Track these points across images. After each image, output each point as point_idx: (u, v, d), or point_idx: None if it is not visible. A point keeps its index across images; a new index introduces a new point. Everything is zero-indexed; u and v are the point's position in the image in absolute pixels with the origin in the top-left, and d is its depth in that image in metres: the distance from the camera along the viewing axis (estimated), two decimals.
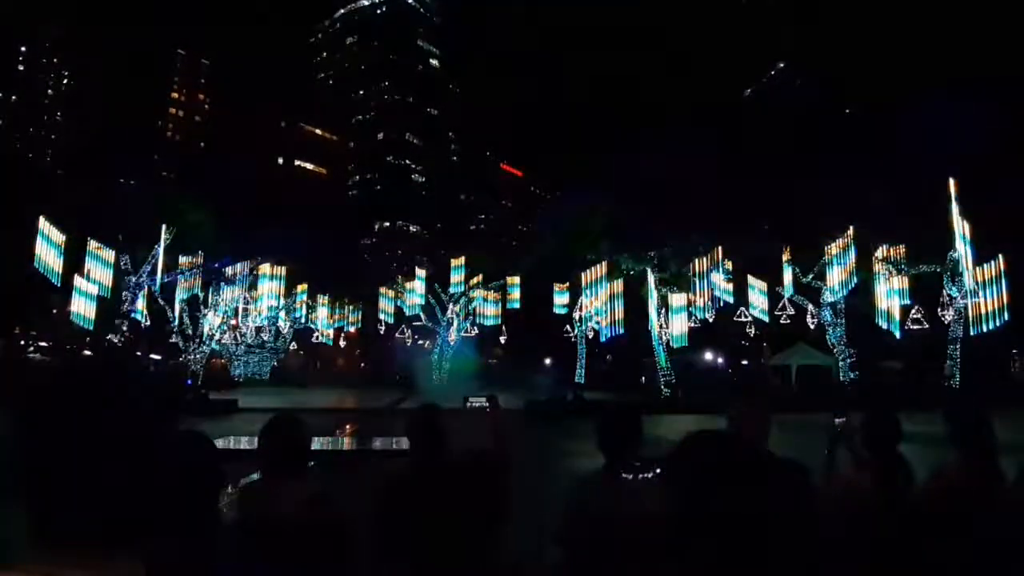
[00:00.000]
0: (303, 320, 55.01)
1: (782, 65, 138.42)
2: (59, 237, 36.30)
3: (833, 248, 39.73)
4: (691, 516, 1.59)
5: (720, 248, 39.07)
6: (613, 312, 41.02)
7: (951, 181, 36.41)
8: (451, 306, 53.14)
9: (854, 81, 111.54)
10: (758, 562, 1.53)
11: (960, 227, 36.27)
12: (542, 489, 11.02)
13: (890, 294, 39.35)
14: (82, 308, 37.61)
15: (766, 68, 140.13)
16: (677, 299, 40.11)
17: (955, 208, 36.17)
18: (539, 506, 7.71)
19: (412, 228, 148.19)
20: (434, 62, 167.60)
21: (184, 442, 2.24)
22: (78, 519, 0.92)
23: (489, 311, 52.58)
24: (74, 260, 36.91)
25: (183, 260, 42.47)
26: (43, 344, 69.92)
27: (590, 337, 48.05)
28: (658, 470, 4.06)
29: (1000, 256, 35.77)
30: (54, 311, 61.03)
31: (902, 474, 3.59)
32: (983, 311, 36.63)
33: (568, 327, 49.67)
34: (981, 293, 36.47)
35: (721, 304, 40.92)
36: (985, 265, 36.45)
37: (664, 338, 40.63)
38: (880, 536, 3.24)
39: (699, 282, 39.70)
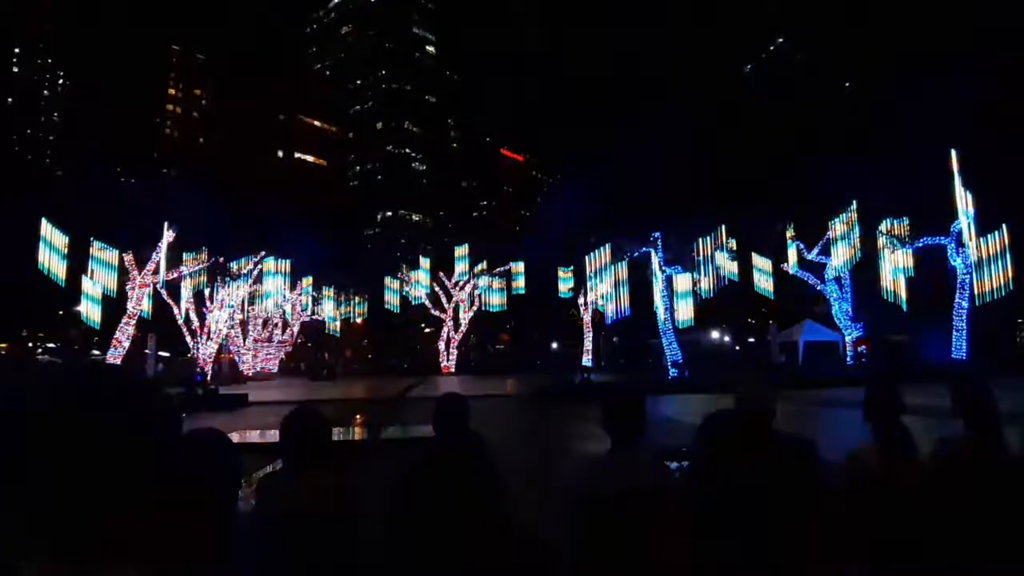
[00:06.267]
0: (309, 312, 55.17)
1: (781, 40, 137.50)
2: (61, 238, 36.38)
3: (837, 223, 39.73)
4: (711, 491, 1.65)
5: (723, 226, 39.08)
6: (618, 294, 41.10)
7: (953, 152, 36.30)
8: (456, 293, 53.23)
9: (854, 54, 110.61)
10: (767, 531, 1.58)
11: (963, 198, 36.20)
12: (551, 470, 11.15)
13: (895, 272, 39.30)
14: (89, 308, 37.77)
15: (766, 43, 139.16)
16: (681, 279, 40.14)
17: (957, 179, 36.08)
18: (548, 486, 7.81)
19: (414, 217, 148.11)
20: (431, 49, 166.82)
21: (200, 441, 2.27)
22: (72, 527, 0.92)
23: (495, 298, 52.67)
24: (78, 261, 37.04)
25: (187, 257, 42.69)
26: (51, 345, 70.32)
27: (596, 320, 48.10)
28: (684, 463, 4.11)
29: (1004, 226, 35.72)
30: (60, 312, 61.37)
31: (903, 445, 3.63)
32: (988, 282, 36.64)
33: (574, 311, 49.76)
34: (985, 264, 36.45)
35: (726, 282, 40.96)
36: (989, 236, 36.43)
37: (669, 318, 40.67)
38: (881, 507, 3.28)
39: (703, 261, 39.72)
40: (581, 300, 47.79)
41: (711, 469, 1.70)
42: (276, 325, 53.69)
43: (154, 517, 0.99)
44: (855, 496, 3.47)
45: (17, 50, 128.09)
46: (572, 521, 3.42)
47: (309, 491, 3.09)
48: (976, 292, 37.39)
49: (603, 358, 53.88)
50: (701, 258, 39.68)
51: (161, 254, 39.87)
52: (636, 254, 41.88)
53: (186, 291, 43.78)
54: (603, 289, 42.46)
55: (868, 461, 3.62)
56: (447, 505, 3.38)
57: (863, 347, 41.04)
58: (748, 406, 3.74)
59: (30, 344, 70.18)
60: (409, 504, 3.48)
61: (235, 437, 14.91)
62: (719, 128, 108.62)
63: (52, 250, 36.01)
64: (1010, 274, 35.75)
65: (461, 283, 53.15)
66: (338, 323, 57.42)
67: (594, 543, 3.27)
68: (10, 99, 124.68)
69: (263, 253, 48.78)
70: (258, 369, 52.04)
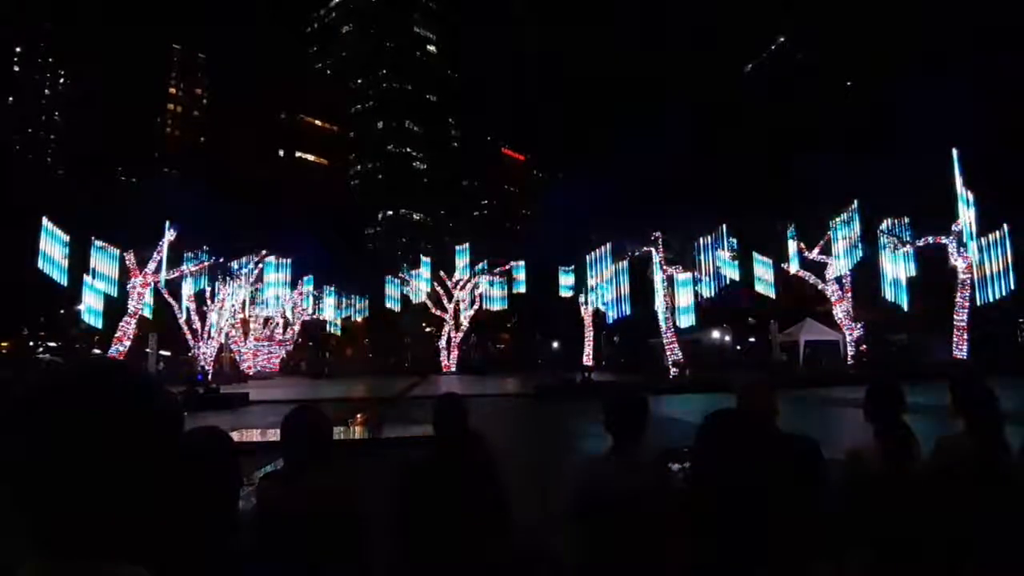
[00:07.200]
0: (310, 311, 55.19)
1: (782, 39, 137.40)
2: (62, 238, 36.41)
3: (837, 222, 39.77)
4: (711, 489, 1.65)
5: (724, 225, 39.08)
6: (619, 293, 41.12)
7: (954, 150, 36.25)
8: (457, 292, 53.29)
9: (854, 53, 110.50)
10: (765, 529, 1.59)
11: (964, 197, 36.17)
12: (552, 469, 11.15)
13: (895, 263, 39.28)
14: (89, 308, 37.79)
15: (767, 42, 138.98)
16: (682, 278, 40.17)
17: (958, 179, 36.03)
18: (549, 485, 7.81)
19: (415, 216, 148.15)
20: (431, 48, 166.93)
21: (200, 440, 2.27)
22: (82, 527, 0.92)
23: (496, 297, 52.74)
24: (79, 260, 37.08)
25: (189, 265, 42.70)
26: (52, 344, 70.40)
27: (596, 319, 48.11)
28: (687, 464, 4.10)
29: (1005, 224, 35.66)
30: (61, 311, 61.40)
31: (905, 444, 3.63)
32: (989, 280, 36.62)
33: (575, 309, 49.78)
34: (987, 263, 36.43)
35: (727, 282, 40.95)
36: (990, 234, 36.40)
37: (670, 318, 40.68)
38: (881, 505, 3.29)
39: (704, 260, 39.74)
40: (582, 299, 47.76)
41: (712, 469, 1.70)
42: (277, 324, 53.73)
43: (156, 516, 0.99)
44: (855, 494, 3.47)
45: (18, 50, 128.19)
46: (573, 521, 3.43)
47: (309, 491, 3.09)
48: (977, 292, 37.38)
49: (604, 357, 53.89)
50: (702, 257, 39.71)
51: (162, 253, 39.89)
52: (637, 253, 41.90)
53: (187, 290, 43.82)
54: (604, 288, 42.47)
55: (868, 459, 3.63)
56: (447, 504, 3.39)
57: (864, 346, 41.05)
58: (748, 406, 3.75)
59: (31, 343, 70.28)
60: (410, 503, 3.48)
61: (236, 436, 14.88)
62: (719, 127, 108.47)
63: (53, 250, 36.06)
64: (1011, 274, 35.73)
65: (462, 282, 53.22)
66: (339, 322, 57.46)
67: (595, 543, 3.28)
68: (10, 99, 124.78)
69: (264, 252, 48.80)
70: (259, 368, 52.04)
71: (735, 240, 40.31)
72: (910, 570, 3.24)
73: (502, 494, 3.61)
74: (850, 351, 41.62)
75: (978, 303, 37.64)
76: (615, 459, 3.40)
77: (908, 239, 39.11)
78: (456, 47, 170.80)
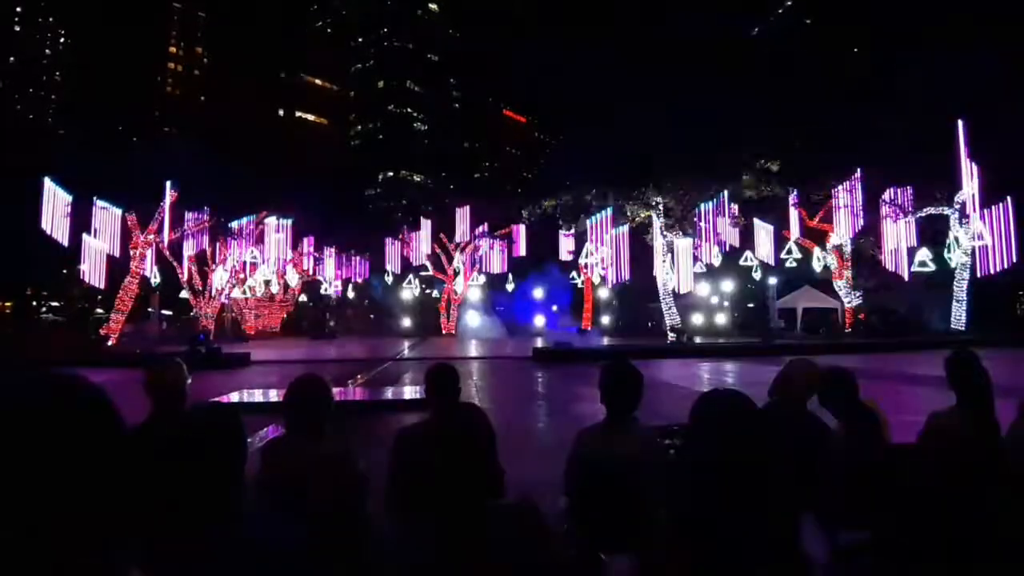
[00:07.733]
0: (311, 271, 55.17)
1: (790, 3, 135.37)
2: (64, 197, 36.28)
3: (840, 190, 39.55)
4: (702, 462, 1.70)
5: (726, 191, 38.89)
6: (619, 258, 41.11)
7: (959, 122, 35.98)
8: (457, 255, 53.20)
9: (862, 19, 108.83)
10: (764, 519, 1.64)
11: (968, 168, 35.97)
12: (550, 430, 11.31)
13: (897, 236, 39.16)
14: (92, 268, 37.81)
15: (774, 5, 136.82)
16: (683, 244, 40.11)
17: (963, 149, 35.81)
18: (547, 447, 7.92)
19: (416, 177, 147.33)
20: (433, 7, 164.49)
21: (202, 418, 2.19)
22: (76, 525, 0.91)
23: (495, 259, 52.62)
24: (80, 220, 36.99)
25: (189, 216, 42.71)
26: (55, 304, 70.65)
27: (596, 283, 48.12)
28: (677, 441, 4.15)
29: (1008, 197, 35.49)
30: (63, 271, 61.49)
31: (863, 426, 3.68)
32: (990, 252, 36.57)
33: (575, 273, 49.76)
34: (988, 234, 36.33)
35: (727, 248, 40.84)
36: (993, 206, 36.27)
37: (670, 283, 40.71)
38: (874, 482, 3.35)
39: (704, 226, 39.65)
40: (582, 262, 47.60)
41: (706, 456, 1.74)
42: (279, 284, 53.77)
43: (123, 508, 0.96)
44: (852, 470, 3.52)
45: (19, 9, 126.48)
46: (568, 492, 3.51)
47: (311, 455, 3.15)
48: (979, 262, 37.37)
49: (602, 321, 53.96)
50: (702, 222, 39.62)
51: (164, 213, 39.85)
52: (637, 218, 41.80)
53: (188, 250, 43.84)
54: (604, 252, 42.35)
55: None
56: (440, 469, 3.44)
57: (862, 315, 41.09)
58: (788, 383, 3.84)
59: (34, 303, 70.55)
60: (405, 470, 3.54)
61: (237, 396, 15.07)
62: (723, 90, 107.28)
63: (54, 210, 35.98)
64: (1013, 243, 35.68)
65: (462, 244, 53.10)
66: (339, 283, 57.44)
67: (589, 514, 3.35)
68: (12, 58, 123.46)
69: (264, 212, 48.63)
70: (260, 328, 52.27)
71: (736, 206, 40.18)
72: (908, 557, 3.30)
73: (495, 463, 3.66)
74: (848, 319, 41.73)
75: (978, 274, 37.66)
76: (609, 431, 3.46)
77: (910, 209, 38.91)
78: (458, 6, 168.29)
